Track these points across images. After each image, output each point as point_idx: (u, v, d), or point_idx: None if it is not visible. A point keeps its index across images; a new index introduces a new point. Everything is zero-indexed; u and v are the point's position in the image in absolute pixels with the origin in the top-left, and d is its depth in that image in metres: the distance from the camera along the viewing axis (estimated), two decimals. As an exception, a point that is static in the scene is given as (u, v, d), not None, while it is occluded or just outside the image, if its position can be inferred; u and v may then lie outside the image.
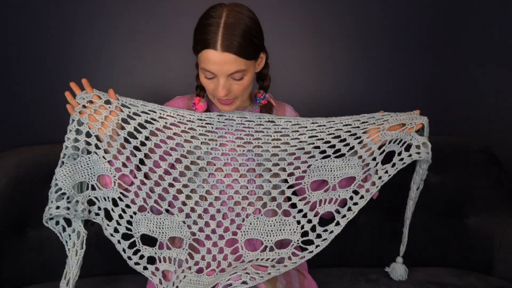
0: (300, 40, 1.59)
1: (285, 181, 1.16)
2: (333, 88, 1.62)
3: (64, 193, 1.14)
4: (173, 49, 1.55)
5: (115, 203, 1.15)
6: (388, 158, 1.12)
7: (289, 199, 1.16)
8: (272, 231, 1.13)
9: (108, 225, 1.15)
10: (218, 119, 1.15)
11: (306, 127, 1.17)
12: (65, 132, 1.14)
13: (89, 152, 1.15)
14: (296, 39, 1.59)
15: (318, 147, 1.15)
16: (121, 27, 1.53)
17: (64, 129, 1.15)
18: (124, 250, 1.15)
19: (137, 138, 1.13)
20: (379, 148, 1.12)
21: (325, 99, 1.62)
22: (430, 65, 1.62)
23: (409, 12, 1.58)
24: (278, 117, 1.17)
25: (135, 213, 1.15)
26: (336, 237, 1.12)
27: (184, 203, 1.13)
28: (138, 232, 1.15)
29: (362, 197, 1.12)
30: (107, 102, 1.14)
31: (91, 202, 1.17)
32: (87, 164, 1.15)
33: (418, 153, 1.09)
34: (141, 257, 1.16)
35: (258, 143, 1.14)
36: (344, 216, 1.12)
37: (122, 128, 1.13)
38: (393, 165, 1.11)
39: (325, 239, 1.12)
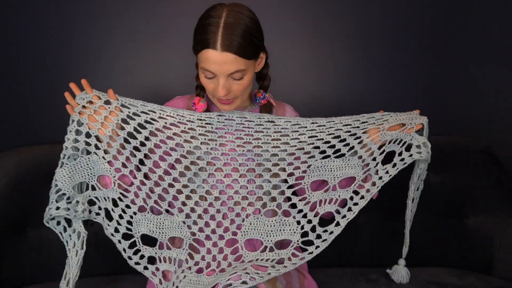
0: (300, 40, 1.59)
1: (285, 181, 1.16)
2: (333, 88, 1.62)
3: (64, 194, 1.14)
4: (173, 49, 1.55)
5: (115, 204, 1.15)
6: (388, 158, 1.12)
7: (289, 199, 1.15)
8: (272, 231, 1.13)
9: (108, 225, 1.16)
10: (218, 119, 1.15)
11: (306, 127, 1.17)
12: (65, 132, 1.14)
13: (88, 153, 1.15)
14: (296, 39, 1.59)
15: (318, 147, 1.15)
16: (121, 27, 1.53)
17: (64, 129, 1.15)
18: (124, 250, 1.16)
19: (137, 139, 1.13)
20: (379, 148, 1.12)
21: (325, 99, 1.62)
22: (430, 65, 1.62)
23: (409, 12, 1.58)
24: (277, 117, 1.17)
25: (135, 213, 1.15)
26: (336, 237, 1.12)
27: (184, 203, 1.13)
28: (138, 232, 1.15)
29: (362, 197, 1.12)
30: (107, 102, 1.14)
31: (91, 202, 1.17)
32: (87, 164, 1.15)
33: (419, 152, 1.09)
34: (142, 257, 1.16)
35: (258, 143, 1.14)
36: (344, 216, 1.12)
37: (122, 128, 1.13)
38: (394, 165, 1.11)
39: (325, 239, 1.12)
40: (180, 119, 1.15)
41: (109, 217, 1.16)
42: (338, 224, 1.12)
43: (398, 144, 1.11)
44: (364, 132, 1.15)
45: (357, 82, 1.62)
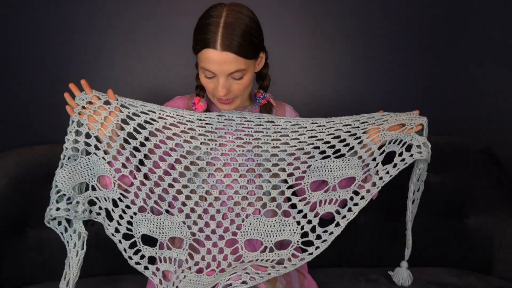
0: (300, 40, 1.59)
1: (285, 181, 1.16)
2: (333, 88, 1.62)
3: (64, 194, 1.14)
4: (173, 49, 1.55)
5: (115, 204, 1.15)
6: (387, 158, 1.12)
7: (289, 199, 1.15)
8: (271, 231, 1.13)
9: (109, 225, 1.16)
10: (218, 119, 1.15)
11: (305, 127, 1.17)
12: (65, 132, 1.14)
13: (88, 153, 1.15)
14: (296, 39, 1.59)
15: (318, 148, 1.15)
16: (121, 27, 1.53)
17: (64, 129, 1.15)
18: (125, 250, 1.16)
19: (137, 139, 1.13)
20: (379, 148, 1.12)
21: (325, 99, 1.62)
22: (430, 65, 1.62)
23: (409, 12, 1.58)
24: (277, 117, 1.17)
25: (135, 213, 1.15)
26: (336, 237, 1.12)
27: (184, 204, 1.13)
28: (139, 232, 1.15)
29: (362, 197, 1.12)
30: (106, 102, 1.14)
31: (92, 202, 1.18)
32: (87, 165, 1.15)
33: (420, 152, 1.08)
34: (142, 257, 1.16)
35: (258, 143, 1.14)
36: (344, 217, 1.12)
37: (122, 128, 1.13)
38: (395, 165, 1.11)
39: (325, 240, 1.12)
40: (179, 119, 1.15)
41: (109, 217, 1.16)
42: (338, 224, 1.12)
43: (398, 144, 1.11)
44: (364, 132, 1.14)
45: (357, 82, 1.62)
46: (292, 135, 1.15)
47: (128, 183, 1.14)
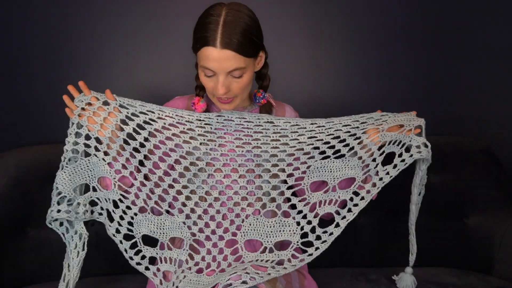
0: (300, 40, 1.59)
1: (285, 182, 1.16)
2: (333, 88, 1.62)
3: (65, 196, 1.14)
4: (172, 49, 1.55)
5: (115, 205, 1.15)
6: (387, 159, 1.12)
7: (288, 200, 1.15)
8: (271, 232, 1.13)
9: (110, 225, 1.16)
10: (217, 119, 1.15)
11: (305, 127, 1.16)
12: (65, 132, 1.14)
13: (88, 155, 1.14)
14: (296, 39, 1.59)
15: (317, 148, 1.15)
16: (120, 27, 1.53)
17: (64, 129, 1.14)
18: (126, 250, 1.16)
19: (136, 140, 1.13)
20: (379, 149, 1.12)
21: (325, 99, 1.62)
22: (430, 65, 1.62)
23: (409, 12, 1.58)
24: (277, 118, 1.17)
25: (136, 214, 1.15)
26: (337, 237, 1.12)
27: (184, 204, 1.13)
28: (139, 233, 1.15)
29: (362, 198, 1.11)
30: (105, 103, 1.13)
31: (93, 203, 1.18)
32: (87, 166, 1.15)
33: (419, 152, 1.08)
34: (143, 257, 1.16)
35: (257, 143, 1.14)
36: (344, 217, 1.12)
37: (121, 129, 1.13)
38: (395, 166, 1.10)
39: (325, 241, 1.12)
40: (179, 120, 1.14)
41: (110, 218, 1.16)
42: (338, 225, 1.12)
43: (398, 145, 1.11)
44: (363, 133, 1.14)
45: (357, 82, 1.62)
46: (292, 136, 1.15)
47: (128, 184, 1.14)
